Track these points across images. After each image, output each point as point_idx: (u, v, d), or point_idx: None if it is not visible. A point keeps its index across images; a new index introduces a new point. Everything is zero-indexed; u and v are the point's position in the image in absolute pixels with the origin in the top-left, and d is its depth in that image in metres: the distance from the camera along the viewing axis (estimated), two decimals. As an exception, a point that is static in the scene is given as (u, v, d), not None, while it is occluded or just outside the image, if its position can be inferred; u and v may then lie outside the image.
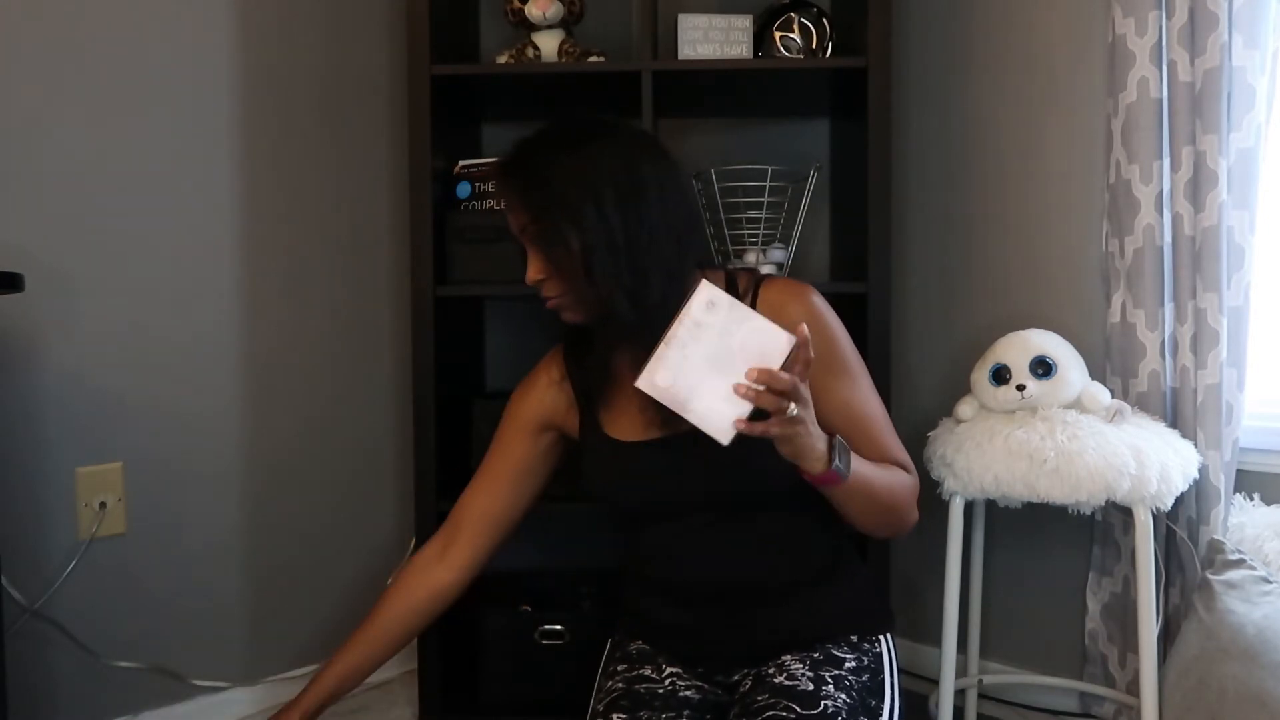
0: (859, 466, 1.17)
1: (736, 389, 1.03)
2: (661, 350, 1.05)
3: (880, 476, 1.22)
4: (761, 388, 1.03)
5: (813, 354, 1.21)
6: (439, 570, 1.41)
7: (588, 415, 1.35)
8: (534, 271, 1.25)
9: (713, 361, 1.04)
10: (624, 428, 1.30)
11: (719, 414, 1.03)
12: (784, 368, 1.05)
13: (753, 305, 1.27)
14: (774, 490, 1.22)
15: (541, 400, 1.40)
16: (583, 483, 1.36)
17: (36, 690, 1.76)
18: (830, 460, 1.12)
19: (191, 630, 1.96)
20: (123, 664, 1.85)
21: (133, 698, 1.88)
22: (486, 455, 1.44)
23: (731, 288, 1.29)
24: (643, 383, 1.05)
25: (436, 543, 1.43)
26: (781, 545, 1.29)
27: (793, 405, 1.04)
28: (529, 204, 1.21)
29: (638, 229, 1.19)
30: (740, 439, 1.07)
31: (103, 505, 1.83)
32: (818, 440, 1.11)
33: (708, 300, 1.05)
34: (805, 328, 1.06)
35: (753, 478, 1.23)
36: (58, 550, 1.79)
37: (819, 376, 1.25)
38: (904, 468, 1.30)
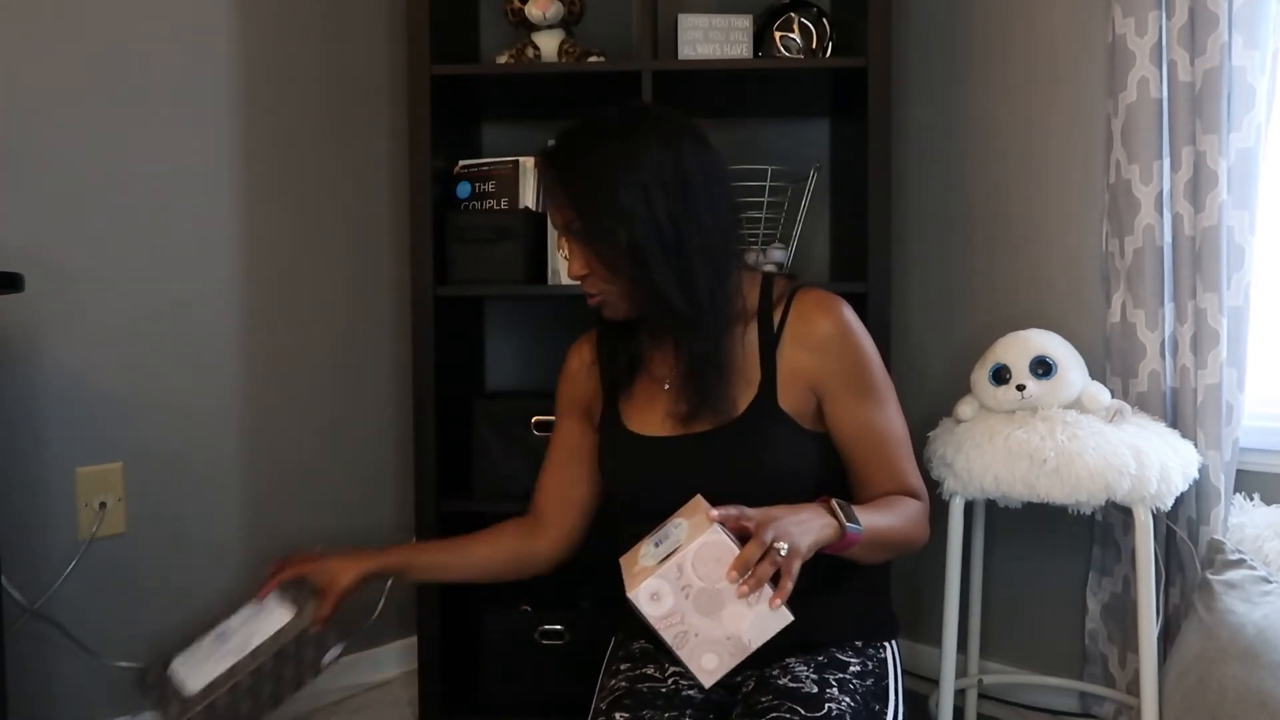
0: (869, 519, 1.17)
1: (740, 596, 1.02)
2: (687, 654, 1.05)
3: (889, 520, 1.21)
4: (749, 573, 1.02)
5: (838, 370, 1.26)
6: (530, 539, 1.41)
7: (609, 406, 1.36)
8: (577, 267, 1.24)
9: (708, 610, 1.03)
10: (644, 422, 1.31)
11: (760, 619, 1.04)
12: (739, 531, 1.06)
13: (785, 313, 1.28)
14: (787, 491, 1.22)
15: (578, 383, 1.41)
16: (602, 475, 1.38)
17: (36, 690, 1.76)
18: (841, 525, 1.11)
19: (191, 630, 1.96)
20: (123, 664, 1.85)
21: (133, 698, 1.87)
22: (550, 440, 1.45)
23: (767, 293, 1.30)
24: (707, 680, 1.05)
25: (525, 522, 1.43)
26: None
27: (777, 544, 1.03)
28: (575, 200, 1.20)
29: (686, 223, 1.19)
30: (754, 439, 1.17)
31: (103, 505, 1.83)
32: (814, 522, 1.10)
33: (650, 595, 1.03)
34: (708, 508, 1.06)
35: (768, 477, 1.23)
36: (58, 550, 1.79)
37: (843, 392, 1.26)
38: (915, 493, 1.29)
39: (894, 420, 1.29)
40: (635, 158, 1.18)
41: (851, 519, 1.13)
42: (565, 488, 1.41)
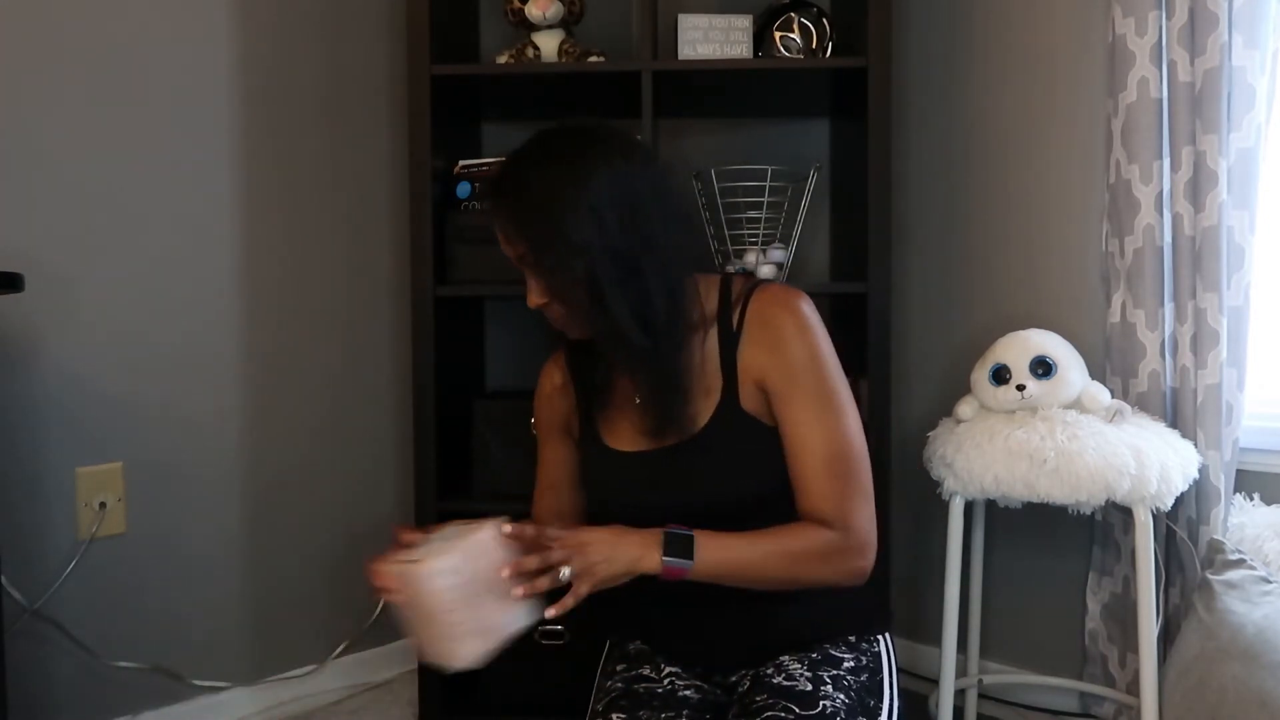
0: (723, 553, 1.15)
1: (517, 595, 1.10)
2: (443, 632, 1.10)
3: (757, 554, 1.17)
4: (526, 585, 1.08)
5: (787, 366, 1.21)
6: None
7: (586, 422, 1.35)
8: (535, 297, 1.22)
9: (470, 598, 1.09)
10: (620, 437, 1.30)
11: (514, 616, 1.11)
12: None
13: (742, 313, 1.25)
14: (768, 495, 1.22)
15: (553, 405, 1.40)
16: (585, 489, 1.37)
17: (36, 690, 1.76)
18: (662, 556, 1.13)
19: (191, 630, 1.96)
20: (123, 664, 1.85)
21: (133, 698, 1.88)
22: (538, 464, 1.45)
23: (725, 293, 1.28)
24: (459, 665, 1.11)
25: None
26: None
27: (561, 570, 1.08)
28: (526, 233, 1.17)
29: (640, 244, 1.17)
30: (718, 450, 1.18)
31: (103, 505, 1.83)
32: (631, 553, 1.13)
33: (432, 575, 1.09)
34: (490, 533, 1.11)
35: (746, 484, 1.23)
36: (58, 550, 1.79)
37: (790, 390, 1.21)
38: (839, 522, 1.17)
39: (848, 434, 1.20)
40: (583, 184, 1.15)
41: (681, 553, 1.13)
42: (561, 505, 1.40)
